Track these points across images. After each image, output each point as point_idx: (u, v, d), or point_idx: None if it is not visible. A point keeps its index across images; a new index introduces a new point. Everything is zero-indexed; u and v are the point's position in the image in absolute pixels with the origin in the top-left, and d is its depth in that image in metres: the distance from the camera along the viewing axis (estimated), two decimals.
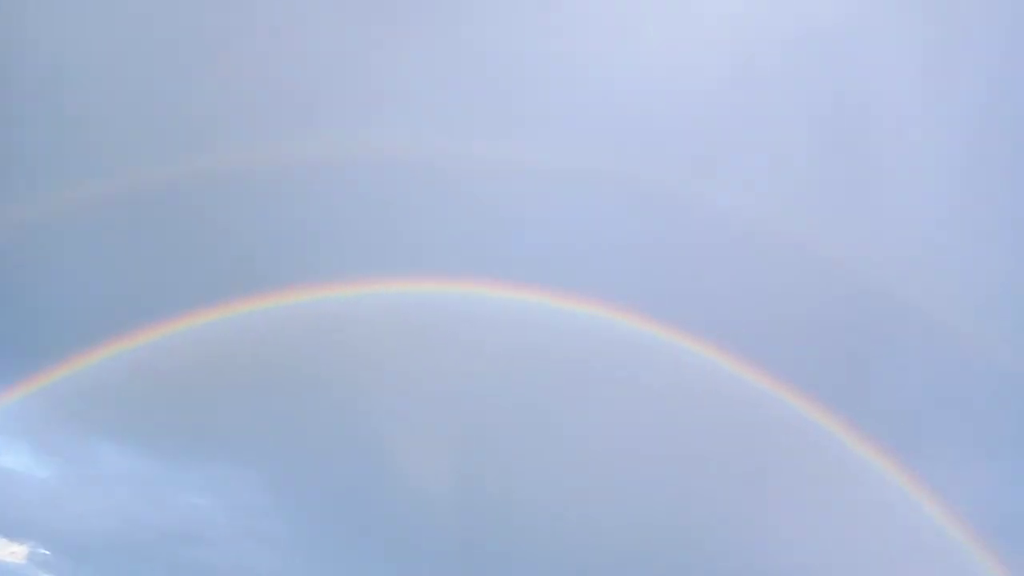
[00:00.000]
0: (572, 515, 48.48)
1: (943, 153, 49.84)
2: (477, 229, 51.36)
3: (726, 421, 48.31)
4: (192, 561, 50.95)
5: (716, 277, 51.65)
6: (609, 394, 50.33)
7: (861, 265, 47.82)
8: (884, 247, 49.50)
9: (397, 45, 48.03)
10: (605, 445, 49.84)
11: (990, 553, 33.06)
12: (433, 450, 50.60)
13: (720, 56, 50.35)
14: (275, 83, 46.46)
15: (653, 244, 52.68)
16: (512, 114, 49.86)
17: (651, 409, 49.26)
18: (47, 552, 48.45)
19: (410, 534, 49.48)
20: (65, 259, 45.09)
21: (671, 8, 50.96)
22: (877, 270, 47.80)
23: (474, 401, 50.57)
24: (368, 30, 47.30)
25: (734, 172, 50.14)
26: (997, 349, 45.85)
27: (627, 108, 50.61)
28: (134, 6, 43.11)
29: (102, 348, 41.66)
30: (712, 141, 50.14)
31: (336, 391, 50.15)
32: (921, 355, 49.54)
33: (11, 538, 47.29)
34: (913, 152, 50.75)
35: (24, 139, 42.89)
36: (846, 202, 51.24)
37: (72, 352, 41.03)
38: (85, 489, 50.74)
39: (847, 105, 51.06)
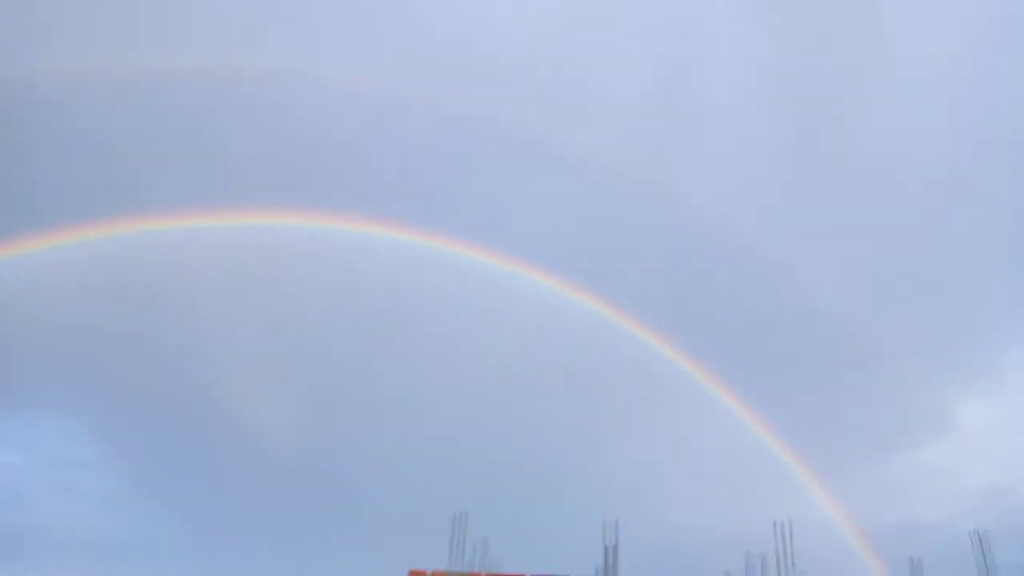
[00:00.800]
0: (423, 462, 48.03)
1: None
2: (333, 162, 48.59)
3: (569, 357, 49.26)
4: (9, 525, 46.29)
5: (552, 206, 51.94)
6: (447, 327, 49.86)
7: (703, 207, 49.65)
8: (730, 196, 51.64)
9: None
10: (446, 382, 49.55)
11: (796, 456, 36.06)
12: (277, 400, 48.39)
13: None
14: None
15: (474, 171, 51.99)
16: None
17: (498, 347, 49.36)
18: None
19: (250, 488, 47.29)
20: None
21: None
22: (717, 218, 49.85)
23: (314, 349, 48.62)
24: None
25: (564, 103, 50.13)
26: (815, 293, 49.40)
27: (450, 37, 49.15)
28: None
29: None
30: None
31: (173, 334, 46.52)
32: (752, 298, 52.62)
33: None
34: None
35: None
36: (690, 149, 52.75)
37: None
38: None
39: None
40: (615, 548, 20.58)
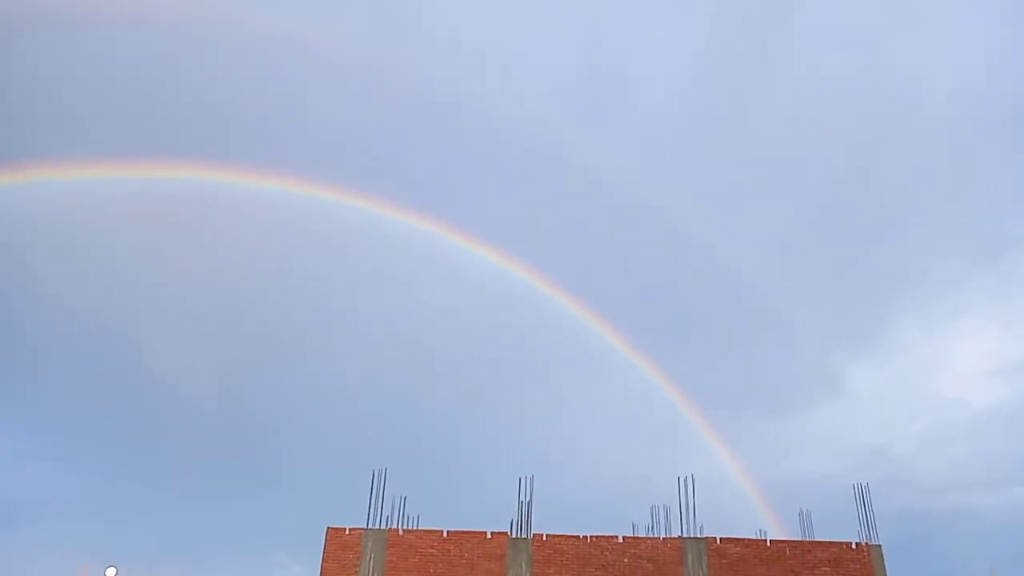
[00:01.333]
0: (341, 419, 48.05)
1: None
2: (260, 115, 46.80)
3: (486, 317, 49.98)
4: None
5: (482, 176, 52.19)
6: (375, 292, 49.69)
7: (622, 183, 50.78)
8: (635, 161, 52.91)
9: None
10: (371, 347, 49.49)
11: (702, 414, 38.18)
12: (196, 358, 47.08)
13: None
14: None
15: (433, 145, 51.75)
16: None
17: (418, 307, 49.52)
18: None
19: (166, 444, 46.19)
20: None
21: None
22: (628, 185, 51.12)
23: (231, 305, 47.42)
24: None
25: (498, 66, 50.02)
26: (720, 252, 51.68)
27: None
28: None
29: None
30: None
31: (88, 288, 44.33)
32: (654, 256, 54.48)
33: None
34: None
35: None
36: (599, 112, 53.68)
37: None
38: None
39: None
40: (529, 503, 21.44)
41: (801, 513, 24.69)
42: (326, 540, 20.83)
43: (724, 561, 20.86)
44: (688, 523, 21.77)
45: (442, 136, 50.93)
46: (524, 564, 20.74)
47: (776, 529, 28.09)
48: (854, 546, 21.10)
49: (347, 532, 20.95)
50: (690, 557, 20.95)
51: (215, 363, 46.67)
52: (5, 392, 45.94)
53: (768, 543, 21.32)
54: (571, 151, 48.07)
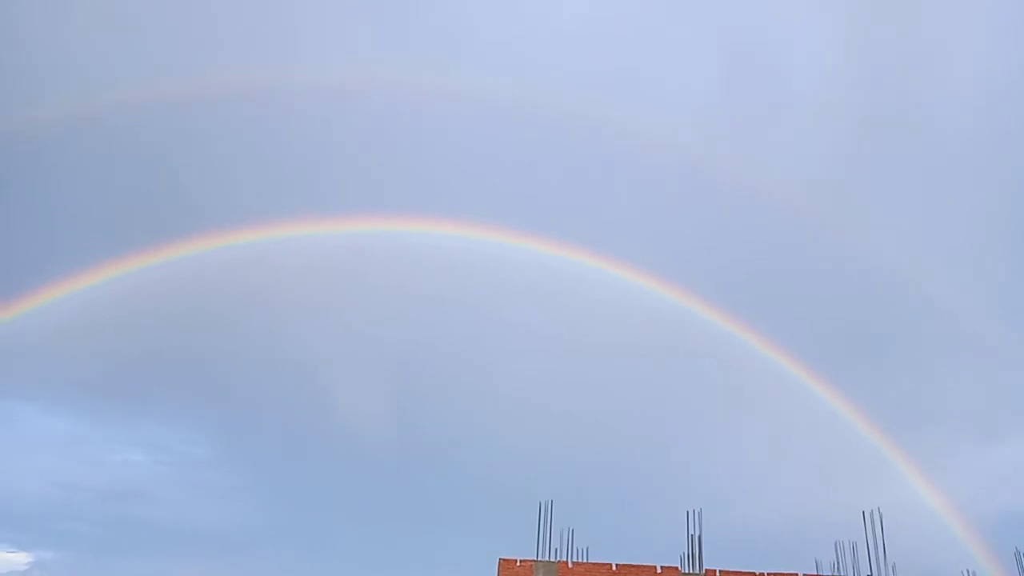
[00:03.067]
0: (511, 455, 49.17)
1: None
2: (418, 163, 50.31)
3: (655, 349, 49.15)
4: (136, 519, 50.47)
5: (646, 208, 51.82)
6: (545, 332, 50.63)
7: (781, 196, 48.55)
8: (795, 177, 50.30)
9: None
10: (542, 384, 50.35)
11: (891, 442, 34.83)
12: (375, 396, 50.55)
13: None
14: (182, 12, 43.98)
15: (584, 176, 52.45)
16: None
17: (584, 340, 49.81)
18: None
19: (353, 477, 49.70)
20: None
21: None
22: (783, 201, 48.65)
23: (407, 342, 50.42)
24: None
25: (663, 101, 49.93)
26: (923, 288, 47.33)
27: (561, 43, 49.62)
28: None
29: (15, 304, 39.83)
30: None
31: (270, 338, 49.38)
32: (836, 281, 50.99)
33: None
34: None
35: None
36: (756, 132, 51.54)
37: None
38: (10, 453, 49.51)
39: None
40: (699, 537, 20.82)
41: (1017, 553, 22.10)
42: (499, 570, 21.43)
43: None
44: (878, 561, 20.16)
45: (590, 165, 51.52)
46: None
47: (990, 570, 25.21)
48: None
49: (518, 563, 21.43)
50: None
51: (393, 399, 49.79)
52: (223, 434, 51.76)
53: None
54: (720, 170, 46.78)
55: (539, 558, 21.25)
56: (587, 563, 21.29)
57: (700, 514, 21.15)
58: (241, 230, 41.14)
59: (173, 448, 53.67)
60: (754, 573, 20.25)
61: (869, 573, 20.12)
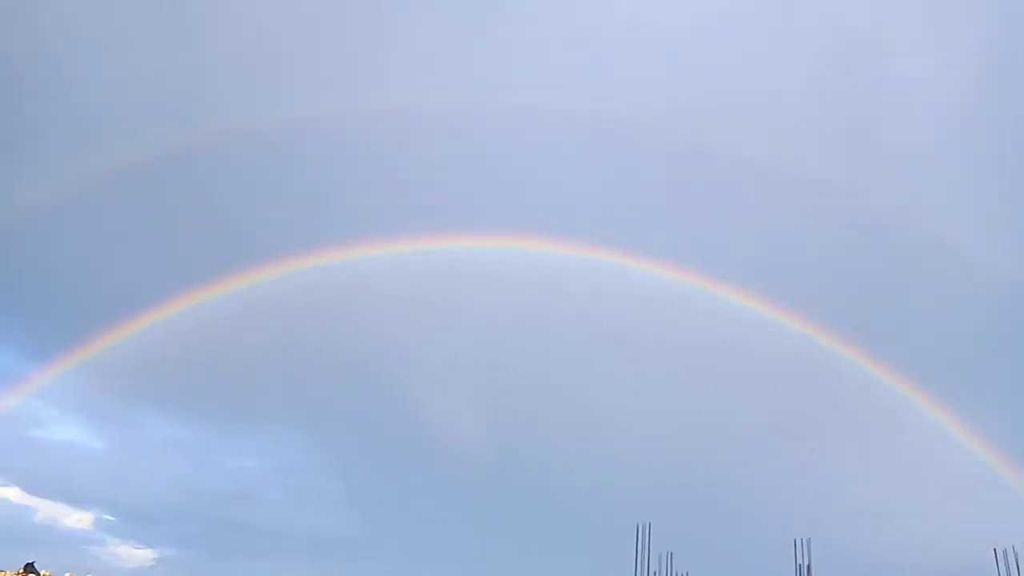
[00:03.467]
0: (607, 474, 48.34)
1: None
2: (496, 183, 50.94)
3: (761, 371, 47.18)
4: (248, 521, 53.01)
5: (742, 225, 49.93)
6: (643, 349, 49.67)
7: (890, 206, 45.74)
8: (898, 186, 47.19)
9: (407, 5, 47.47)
10: (640, 402, 49.39)
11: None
12: (468, 409, 51.18)
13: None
14: (271, 44, 46.56)
15: (678, 194, 51.24)
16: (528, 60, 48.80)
17: (685, 362, 48.43)
18: (112, 518, 50.84)
19: (449, 489, 50.29)
20: (95, 235, 46.52)
21: None
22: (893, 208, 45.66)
23: (505, 361, 50.74)
24: None
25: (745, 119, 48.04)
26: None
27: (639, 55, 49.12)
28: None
29: (141, 318, 42.86)
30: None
31: (374, 353, 50.97)
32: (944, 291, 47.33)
33: (76, 506, 49.76)
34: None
35: (30, 123, 43.77)
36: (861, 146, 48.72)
37: (113, 323, 42.46)
38: (139, 458, 53.08)
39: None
40: (808, 568, 19.70)
41: None
42: None
43: None
44: None
45: (690, 185, 50.23)
46: None
47: None
48: None
49: None
50: None
51: (487, 416, 50.06)
52: (328, 443, 53.67)
53: None
54: (837, 187, 44.58)
55: None
56: None
57: (809, 544, 20.07)
58: (341, 249, 42.78)
59: (282, 455, 56.33)
60: None
61: None
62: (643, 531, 20.92)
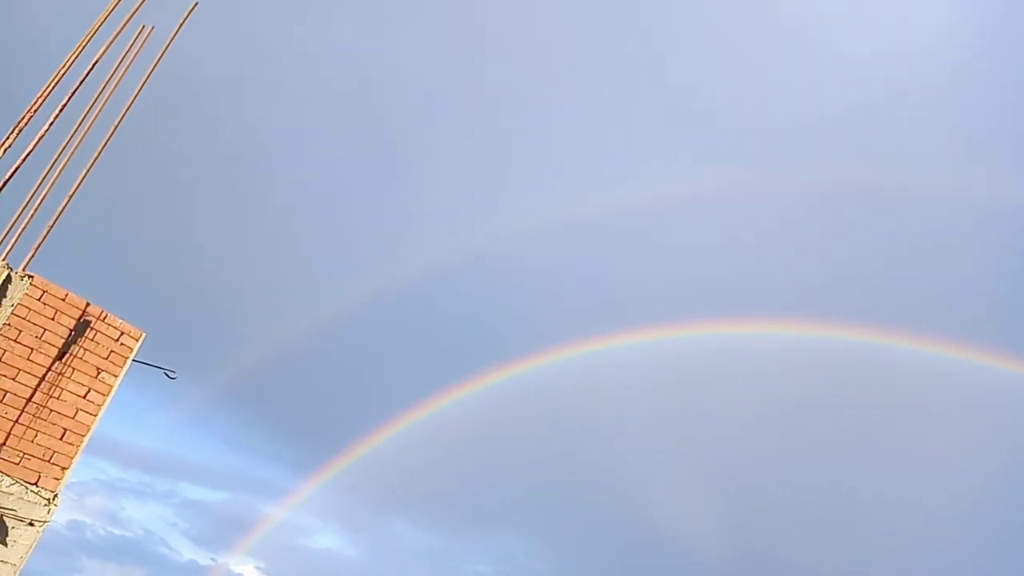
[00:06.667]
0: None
1: None
2: (699, 271, 50.01)
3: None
4: None
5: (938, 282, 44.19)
6: (894, 430, 44.58)
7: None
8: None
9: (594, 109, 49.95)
10: (895, 491, 43.91)
11: None
12: (706, 515, 48.44)
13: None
14: (475, 173, 50.67)
15: (878, 258, 46.99)
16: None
17: (955, 442, 42.55)
18: None
19: None
20: (343, 358, 51.86)
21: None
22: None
23: (747, 463, 47.74)
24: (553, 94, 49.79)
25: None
26: None
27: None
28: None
29: (385, 430, 46.34)
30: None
31: (607, 455, 50.61)
32: None
33: None
34: None
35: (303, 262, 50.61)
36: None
37: (360, 436, 46.38)
38: (387, 563, 56.07)
39: None
40: None
41: None
42: None
43: None
44: None
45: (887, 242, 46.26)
46: None
47: None
48: None
49: None
50: None
51: (725, 518, 47.19)
52: (562, 550, 53.42)
53: None
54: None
55: None
56: None
57: None
58: (556, 351, 43.83)
59: (516, 560, 56.71)
60: None
61: None
62: None
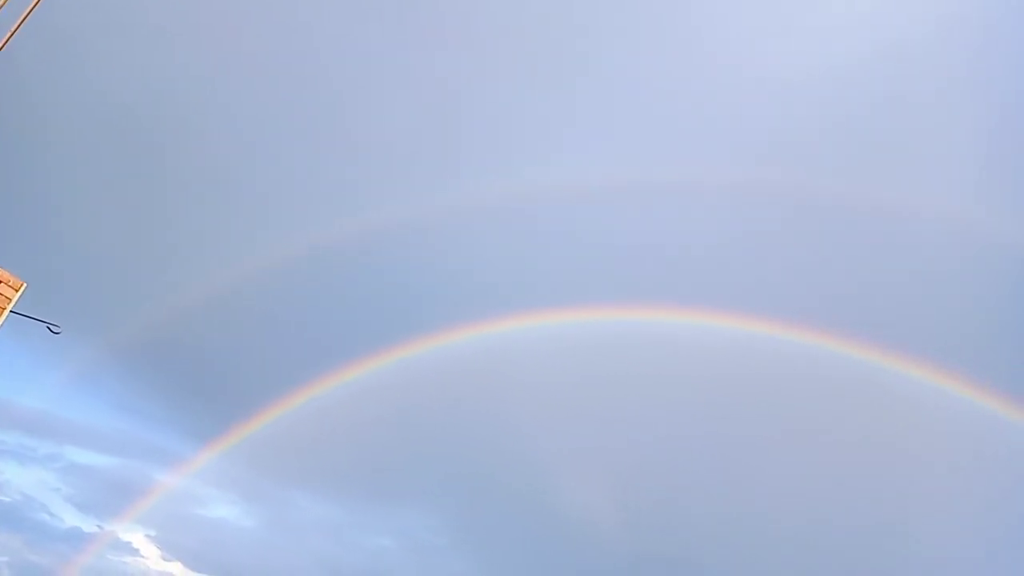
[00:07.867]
0: (744, 550, 45.19)
1: None
2: (616, 253, 50.71)
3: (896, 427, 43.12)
4: None
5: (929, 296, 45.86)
6: (774, 410, 46.81)
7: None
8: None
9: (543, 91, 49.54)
10: (769, 463, 46.21)
11: None
12: (602, 487, 49.84)
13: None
14: (423, 139, 49.50)
15: (788, 250, 48.74)
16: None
17: (815, 421, 45.15)
18: None
19: (582, 571, 48.61)
20: (248, 322, 49.95)
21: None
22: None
23: (641, 435, 49.28)
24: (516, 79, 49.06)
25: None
26: None
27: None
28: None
29: (288, 400, 45.15)
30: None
31: (517, 439, 51.02)
32: None
33: None
34: None
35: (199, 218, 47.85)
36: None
37: (263, 406, 45.01)
38: (286, 536, 54.97)
39: None
40: None
41: None
42: None
43: None
44: None
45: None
46: None
47: None
48: None
49: None
50: None
51: (626, 498, 48.60)
52: (459, 522, 53.81)
53: None
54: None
55: None
56: None
57: None
58: (468, 327, 43.68)
59: (417, 535, 56.78)
60: None
61: None
62: None
